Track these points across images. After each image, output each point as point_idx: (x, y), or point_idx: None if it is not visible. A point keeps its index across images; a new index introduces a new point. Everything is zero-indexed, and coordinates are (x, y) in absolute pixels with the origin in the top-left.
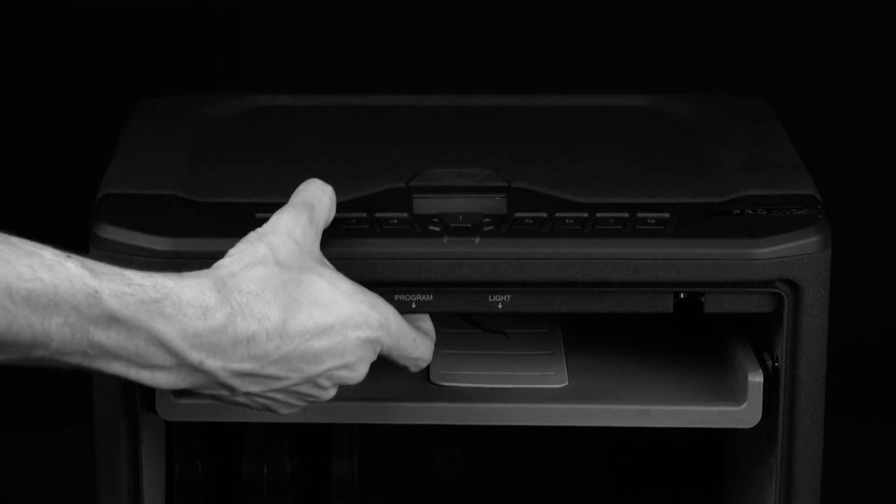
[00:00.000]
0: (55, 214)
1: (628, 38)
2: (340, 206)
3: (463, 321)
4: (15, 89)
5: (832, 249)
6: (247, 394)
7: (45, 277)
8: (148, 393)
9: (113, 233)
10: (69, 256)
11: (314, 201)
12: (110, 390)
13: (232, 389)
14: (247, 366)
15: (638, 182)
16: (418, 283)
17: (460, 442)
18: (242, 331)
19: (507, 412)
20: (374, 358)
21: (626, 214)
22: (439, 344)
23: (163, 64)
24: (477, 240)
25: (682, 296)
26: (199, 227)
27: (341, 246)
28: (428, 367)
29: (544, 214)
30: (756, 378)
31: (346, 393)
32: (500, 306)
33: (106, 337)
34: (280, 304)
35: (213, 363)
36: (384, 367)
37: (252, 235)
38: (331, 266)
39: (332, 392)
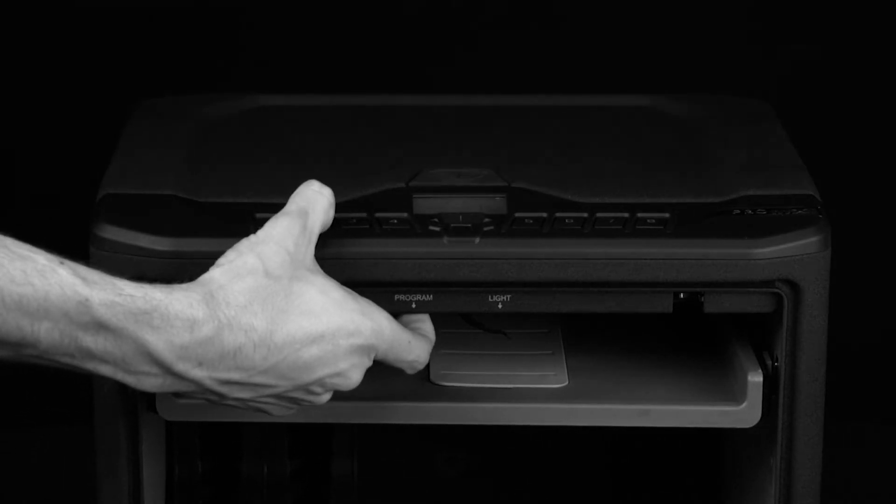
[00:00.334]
0: (55, 214)
1: (628, 38)
2: (340, 206)
3: (463, 321)
4: (15, 89)
5: (832, 249)
6: (237, 399)
7: (36, 283)
8: (148, 392)
9: (113, 233)
10: (62, 262)
11: (310, 207)
12: (110, 390)
13: (221, 395)
14: (234, 375)
15: (638, 182)
16: (418, 283)
17: (460, 442)
18: (229, 343)
19: (507, 412)
20: (368, 364)
21: (626, 214)
22: (439, 344)
23: (163, 64)
24: (477, 240)
25: (681, 296)
26: (199, 227)
27: (341, 246)
28: (428, 367)
29: (544, 214)
30: (756, 378)
31: (346, 393)
32: (500, 306)
33: (94, 343)
34: (267, 316)
35: (198, 373)
36: (384, 367)
37: (243, 245)
38: (323, 273)
39: (327, 397)
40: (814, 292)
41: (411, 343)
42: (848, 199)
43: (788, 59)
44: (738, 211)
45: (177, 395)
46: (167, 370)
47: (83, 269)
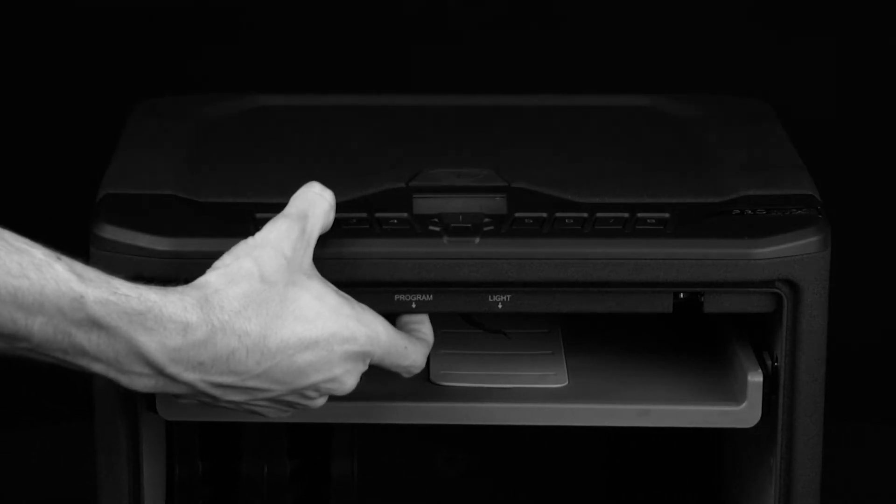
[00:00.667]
0: (55, 214)
1: (628, 38)
2: (340, 206)
3: (463, 321)
4: (15, 89)
5: (832, 249)
6: (231, 401)
7: (32, 276)
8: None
9: (113, 233)
10: (59, 258)
11: (310, 210)
12: (110, 389)
13: (214, 398)
14: (227, 379)
15: (638, 182)
16: (418, 283)
17: (460, 442)
18: (222, 347)
19: (507, 412)
20: (364, 369)
21: (626, 214)
22: (439, 344)
23: (163, 64)
24: (477, 240)
25: (681, 296)
26: (199, 227)
27: (341, 246)
28: (428, 367)
29: (544, 214)
30: (756, 378)
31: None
32: (500, 306)
33: (87, 340)
34: (261, 321)
35: (191, 375)
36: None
37: (240, 249)
38: (320, 278)
39: (321, 401)
40: (814, 292)
41: (408, 348)
42: (848, 199)
43: (788, 60)
44: (738, 211)
45: (174, 395)
46: (159, 372)
47: (80, 266)
